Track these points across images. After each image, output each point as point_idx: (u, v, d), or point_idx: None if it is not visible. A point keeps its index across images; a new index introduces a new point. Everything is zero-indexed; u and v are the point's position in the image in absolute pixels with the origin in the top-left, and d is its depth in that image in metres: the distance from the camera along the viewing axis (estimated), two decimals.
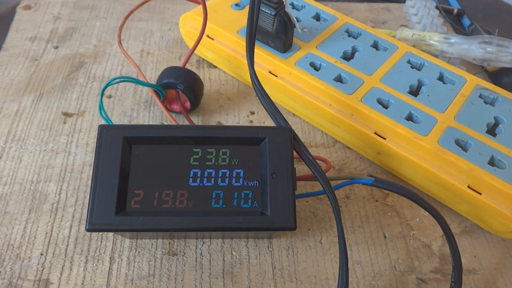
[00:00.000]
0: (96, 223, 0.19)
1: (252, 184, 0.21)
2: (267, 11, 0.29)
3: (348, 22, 0.35)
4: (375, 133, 0.28)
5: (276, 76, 0.31)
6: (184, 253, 0.25)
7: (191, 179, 0.21)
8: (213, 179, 0.21)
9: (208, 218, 0.20)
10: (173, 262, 0.24)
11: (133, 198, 0.20)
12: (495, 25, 0.45)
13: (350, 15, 0.44)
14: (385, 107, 0.28)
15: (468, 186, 0.26)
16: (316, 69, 0.31)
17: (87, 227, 0.19)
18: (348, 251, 0.26)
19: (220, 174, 0.21)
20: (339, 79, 0.30)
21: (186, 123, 0.31)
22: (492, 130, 0.28)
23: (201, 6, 0.35)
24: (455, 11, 0.46)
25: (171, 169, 0.21)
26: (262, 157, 0.21)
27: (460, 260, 0.23)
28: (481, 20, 0.46)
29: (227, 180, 0.21)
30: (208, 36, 0.34)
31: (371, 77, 0.30)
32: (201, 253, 0.25)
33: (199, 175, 0.21)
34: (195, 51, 0.36)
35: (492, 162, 0.26)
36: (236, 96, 0.34)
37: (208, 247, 0.25)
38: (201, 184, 0.21)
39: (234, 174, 0.21)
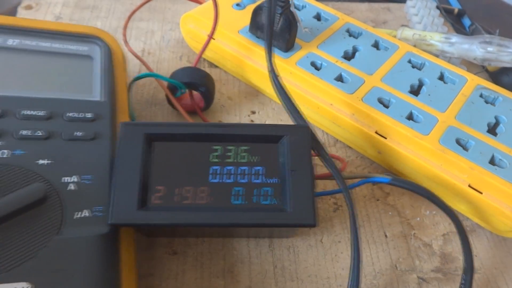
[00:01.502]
0: (118, 217, 0.19)
1: (272, 181, 0.21)
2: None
3: (349, 22, 0.35)
4: (376, 132, 0.28)
5: (278, 76, 0.31)
6: (185, 252, 0.25)
7: (211, 176, 0.21)
8: (232, 176, 0.21)
9: (228, 214, 0.20)
10: (174, 261, 0.24)
11: (154, 193, 0.21)
12: (495, 25, 0.45)
13: (351, 15, 0.44)
14: (386, 106, 0.28)
15: (469, 185, 0.26)
16: (317, 68, 0.31)
17: (109, 220, 0.19)
18: (349, 250, 0.25)
19: (239, 171, 0.21)
20: (340, 78, 0.30)
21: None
22: (492, 130, 0.28)
23: (201, 6, 0.35)
24: (456, 11, 0.46)
25: (191, 165, 0.21)
26: (281, 155, 0.22)
27: (472, 262, 0.23)
28: (482, 20, 0.46)
29: (246, 177, 0.21)
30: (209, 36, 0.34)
31: (372, 76, 0.30)
32: (201, 252, 0.25)
33: (218, 172, 0.21)
34: (196, 51, 0.36)
35: (493, 161, 0.26)
36: (237, 95, 0.34)
37: (209, 246, 0.25)
38: (221, 180, 0.21)
39: (254, 171, 0.21)
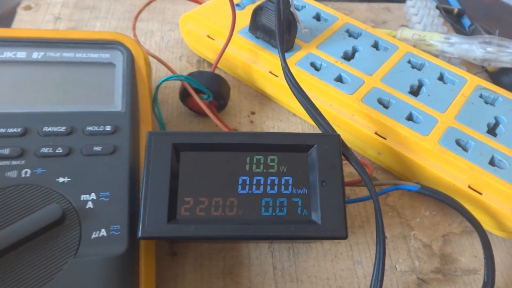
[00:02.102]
0: (148, 231, 0.19)
1: (301, 192, 0.21)
2: (272, 10, 0.29)
3: (348, 22, 0.35)
4: (376, 133, 0.28)
5: (277, 76, 0.31)
6: (184, 253, 0.25)
7: (240, 187, 0.21)
8: (262, 187, 0.21)
9: (259, 227, 0.20)
10: (173, 262, 0.24)
11: (183, 205, 0.20)
12: (495, 25, 0.45)
13: (350, 15, 0.44)
14: (386, 107, 0.28)
15: (469, 186, 0.26)
16: (317, 69, 0.31)
17: (139, 235, 0.19)
18: (349, 251, 0.26)
19: (269, 182, 0.21)
20: (339, 79, 0.30)
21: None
22: (492, 130, 0.28)
23: (201, 6, 0.35)
24: (455, 11, 0.46)
25: (219, 176, 0.21)
26: (310, 165, 0.21)
27: (494, 278, 0.23)
28: (481, 20, 0.46)
29: (276, 187, 0.21)
30: (208, 37, 0.34)
31: (371, 77, 0.30)
32: (201, 253, 0.25)
33: (247, 182, 0.21)
34: (195, 51, 0.36)
35: (492, 162, 0.26)
36: (237, 96, 0.34)
37: (208, 247, 0.25)
38: (250, 191, 0.21)
39: (283, 182, 0.21)
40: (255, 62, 0.32)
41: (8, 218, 0.19)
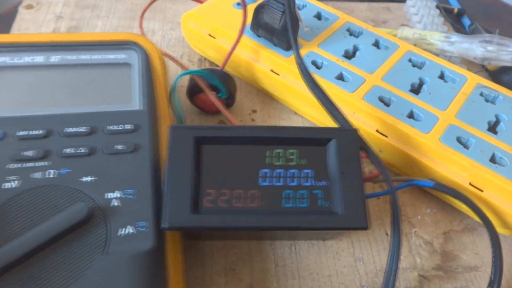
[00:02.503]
0: (173, 221, 0.19)
1: (321, 184, 0.21)
2: (275, 7, 0.30)
3: (349, 21, 0.35)
4: (377, 131, 0.28)
5: (278, 75, 0.31)
6: (186, 250, 0.25)
7: (260, 179, 0.21)
8: (282, 179, 0.21)
9: (281, 218, 0.20)
10: None
11: (206, 197, 0.20)
12: (495, 25, 0.45)
13: (351, 14, 0.44)
14: (387, 105, 0.29)
15: (470, 184, 0.26)
16: (318, 67, 0.31)
17: (164, 225, 0.19)
18: (350, 248, 0.26)
19: (289, 174, 0.21)
20: (340, 77, 0.30)
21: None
22: (493, 128, 0.28)
23: (202, 5, 0.35)
24: (456, 10, 0.46)
25: (240, 168, 0.21)
26: (329, 158, 0.22)
27: (501, 278, 0.23)
28: (481, 19, 0.46)
29: (296, 180, 0.21)
30: (210, 35, 0.34)
31: (372, 75, 0.30)
32: (203, 250, 0.25)
33: (268, 175, 0.21)
34: (197, 50, 0.37)
35: (493, 160, 0.26)
36: (238, 94, 0.34)
37: (210, 244, 0.25)
38: (271, 184, 0.21)
39: (303, 174, 0.21)
40: (257, 60, 0.32)
41: (36, 219, 0.19)
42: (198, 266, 0.24)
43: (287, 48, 0.31)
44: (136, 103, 0.24)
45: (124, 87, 0.25)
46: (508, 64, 0.35)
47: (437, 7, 0.44)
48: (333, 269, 0.25)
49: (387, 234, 0.27)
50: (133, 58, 0.26)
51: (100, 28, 0.38)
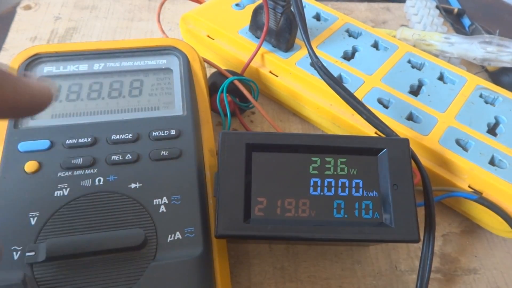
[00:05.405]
0: (225, 230, 0.19)
1: (372, 195, 0.21)
2: (273, 9, 0.29)
3: (348, 22, 0.35)
4: (376, 133, 0.28)
5: (277, 76, 0.31)
6: None
7: (311, 188, 0.21)
8: (333, 189, 0.21)
9: (332, 228, 0.20)
10: None
11: (257, 205, 0.20)
12: (495, 25, 0.45)
13: (350, 15, 0.44)
14: (386, 107, 0.28)
15: (469, 186, 0.26)
16: None
17: (217, 233, 0.19)
18: (349, 250, 0.26)
19: (340, 184, 0.21)
20: (339, 79, 0.30)
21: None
22: (492, 130, 0.28)
23: (201, 6, 0.35)
24: (455, 11, 0.46)
25: (291, 177, 0.21)
26: (380, 168, 0.21)
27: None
28: (481, 20, 0.46)
29: (347, 190, 0.21)
30: (208, 36, 0.34)
31: (371, 77, 0.30)
32: None
33: (319, 184, 0.21)
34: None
35: (492, 162, 0.26)
36: None
37: None
38: (321, 193, 0.21)
39: (354, 184, 0.21)
40: (256, 61, 0.32)
41: (90, 223, 0.20)
42: None
43: (286, 49, 0.31)
44: (178, 108, 0.24)
45: (167, 92, 0.25)
46: (508, 65, 0.34)
47: (437, 7, 0.44)
48: (331, 272, 0.25)
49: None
50: (174, 63, 0.27)
51: (98, 29, 0.38)
